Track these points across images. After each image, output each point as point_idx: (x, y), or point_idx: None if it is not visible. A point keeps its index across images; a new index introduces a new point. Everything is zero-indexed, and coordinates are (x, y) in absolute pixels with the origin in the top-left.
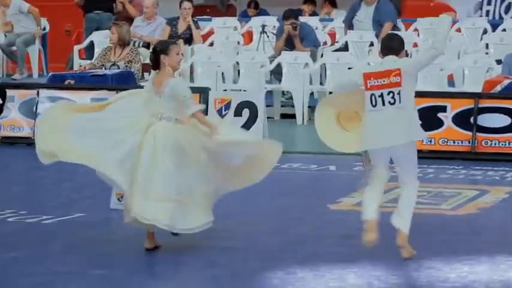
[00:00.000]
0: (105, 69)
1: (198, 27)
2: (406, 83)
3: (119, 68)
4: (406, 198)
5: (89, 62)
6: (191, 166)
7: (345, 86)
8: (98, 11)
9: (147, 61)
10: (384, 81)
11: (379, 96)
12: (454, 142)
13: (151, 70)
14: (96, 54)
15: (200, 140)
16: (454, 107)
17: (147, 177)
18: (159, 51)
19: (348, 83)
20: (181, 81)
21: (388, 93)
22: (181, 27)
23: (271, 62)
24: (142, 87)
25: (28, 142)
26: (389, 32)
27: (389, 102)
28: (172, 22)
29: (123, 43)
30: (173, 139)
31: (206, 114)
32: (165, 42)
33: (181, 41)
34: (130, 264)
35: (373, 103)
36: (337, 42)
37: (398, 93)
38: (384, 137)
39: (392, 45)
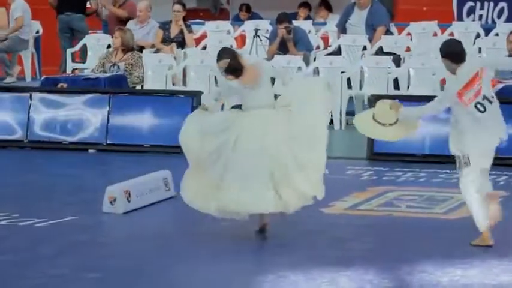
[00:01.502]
0: (105, 70)
1: (190, 31)
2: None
3: (119, 68)
4: None
5: (82, 65)
6: None
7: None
8: (69, 12)
9: None
10: (478, 86)
11: (483, 99)
12: None
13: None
14: (89, 58)
15: None
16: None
17: None
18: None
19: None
20: None
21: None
22: (174, 31)
23: None
24: (134, 88)
25: (20, 145)
26: (449, 38)
27: (489, 101)
28: (165, 26)
29: (126, 48)
30: None
31: None
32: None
33: (174, 45)
34: (122, 267)
35: (482, 109)
36: (330, 46)
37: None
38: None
39: (463, 52)
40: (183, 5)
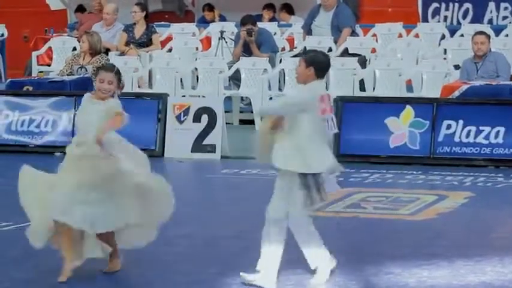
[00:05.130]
0: (73, 73)
1: (154, 32)
2: None
3: (86, 71)
4: None
5: (48, 68)
6: None
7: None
8: None
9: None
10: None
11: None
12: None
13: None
14: (54, 61)
15: None
16: None
17: None
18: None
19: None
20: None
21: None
22: (138, 33)
23: (229, 67)
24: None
25: None
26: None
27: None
28: (128, 28)
29: (94, 52)
30: None
31: (165, 121)
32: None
33: (132, 46)
34: (89, 270)
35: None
36: (295, 47)
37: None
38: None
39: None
40: (141, 6)
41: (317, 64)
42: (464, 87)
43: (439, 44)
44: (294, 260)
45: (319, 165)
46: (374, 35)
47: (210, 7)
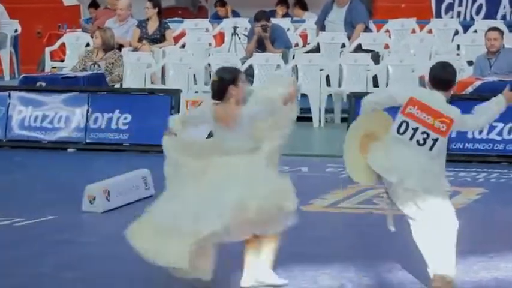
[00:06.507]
0: (86, 69)
1: (168, 28)
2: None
3: (100, 67)
4: None
5: (61, 64)
6: None
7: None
8: None
9: None
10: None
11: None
12: None
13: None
14: (67, 56)
15: None
16: None
17: None
18: (228, 81)
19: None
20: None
21: (423, 133)
22: (151, 28)
23: (242, 63)
24: (112, 87)
25: None
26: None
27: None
28: (141, 24)
29: (106, 47)
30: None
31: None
32: (233, 71)
33: (145, 42)
34: (102, 266)
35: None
36: (308, 43)
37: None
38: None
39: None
40: (154, 2)
41: (430, 76)
42: (478, 83)
43: (453, 40)
44: (309, 255)
45: None
46: (387, 30)
47: (222, 3)
